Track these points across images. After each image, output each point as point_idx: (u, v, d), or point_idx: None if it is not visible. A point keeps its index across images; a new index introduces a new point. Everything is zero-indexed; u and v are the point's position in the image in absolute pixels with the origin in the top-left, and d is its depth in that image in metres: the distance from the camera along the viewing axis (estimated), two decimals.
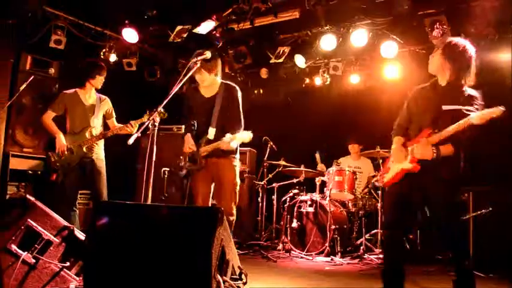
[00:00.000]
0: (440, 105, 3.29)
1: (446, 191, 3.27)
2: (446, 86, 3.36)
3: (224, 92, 4.31)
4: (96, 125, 5.11)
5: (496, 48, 6.05)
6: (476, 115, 3.06)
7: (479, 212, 5.35)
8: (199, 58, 4.02)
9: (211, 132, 4.22)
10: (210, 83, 4.32)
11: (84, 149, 4.95)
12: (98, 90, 5.23)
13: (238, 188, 4.27)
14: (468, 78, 3.30)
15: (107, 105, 5.27)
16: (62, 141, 4.94)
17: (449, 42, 3.39)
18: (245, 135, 4.10)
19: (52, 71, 6.59)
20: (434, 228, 5.13)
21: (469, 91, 3.32)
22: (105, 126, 5.25)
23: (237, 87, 4.38)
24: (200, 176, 4.26)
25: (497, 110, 3.02)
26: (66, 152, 4.91)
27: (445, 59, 3.33)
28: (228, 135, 4.03)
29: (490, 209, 5.27)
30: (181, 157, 4.33)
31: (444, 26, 5.72)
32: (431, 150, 3.24)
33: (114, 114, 5.31)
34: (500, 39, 5.96)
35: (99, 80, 5.14)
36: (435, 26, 5.75)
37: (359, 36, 6.38)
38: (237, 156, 4.34)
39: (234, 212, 4.24)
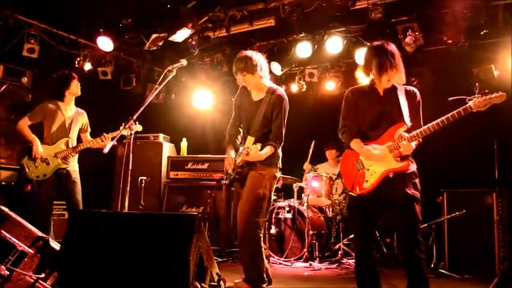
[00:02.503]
0: (399, 102, 3.28)
1: (412, 196, 3.17)
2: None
3: (270, 98, 3.92)
4: (72, 137, 5.09)
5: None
6: (478, 101, 2.94)
7: (453, 215, 5.44)
8: (174, 66, 4.00)
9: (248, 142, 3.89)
10: (254, 85, 3.99)
11: (60, 160, 4.90)
12: (76, 100, 5.18)
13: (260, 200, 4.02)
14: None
15: (84, 119, 5.25)
16: (39, 148, 4.88)
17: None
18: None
19: (25, 80, 6.50)
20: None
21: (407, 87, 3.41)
22: (79, 139, 5.21)
23: (284, 96, 3.95)
24: None
25: (500, 96, 2.92)
26: (41, 161, 4.85)
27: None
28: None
29: (464, 211, 5.37)
30: None
31: (416, 33, 5.84)
32: (411, 145, 3.16)
33: (89, 128, 5.29)
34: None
35: (76, 86, 5.09)
36: (407, 33, 5.87)
37: (334, 43, 6.48)
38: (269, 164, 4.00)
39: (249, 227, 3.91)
